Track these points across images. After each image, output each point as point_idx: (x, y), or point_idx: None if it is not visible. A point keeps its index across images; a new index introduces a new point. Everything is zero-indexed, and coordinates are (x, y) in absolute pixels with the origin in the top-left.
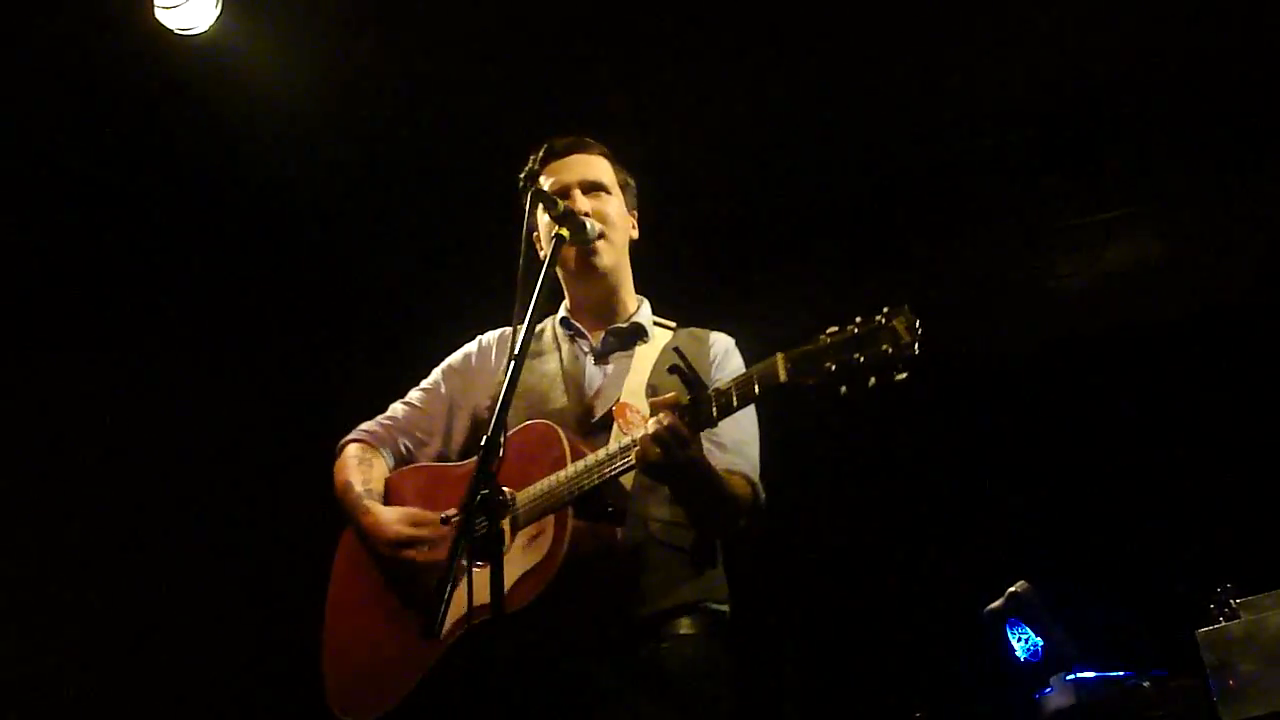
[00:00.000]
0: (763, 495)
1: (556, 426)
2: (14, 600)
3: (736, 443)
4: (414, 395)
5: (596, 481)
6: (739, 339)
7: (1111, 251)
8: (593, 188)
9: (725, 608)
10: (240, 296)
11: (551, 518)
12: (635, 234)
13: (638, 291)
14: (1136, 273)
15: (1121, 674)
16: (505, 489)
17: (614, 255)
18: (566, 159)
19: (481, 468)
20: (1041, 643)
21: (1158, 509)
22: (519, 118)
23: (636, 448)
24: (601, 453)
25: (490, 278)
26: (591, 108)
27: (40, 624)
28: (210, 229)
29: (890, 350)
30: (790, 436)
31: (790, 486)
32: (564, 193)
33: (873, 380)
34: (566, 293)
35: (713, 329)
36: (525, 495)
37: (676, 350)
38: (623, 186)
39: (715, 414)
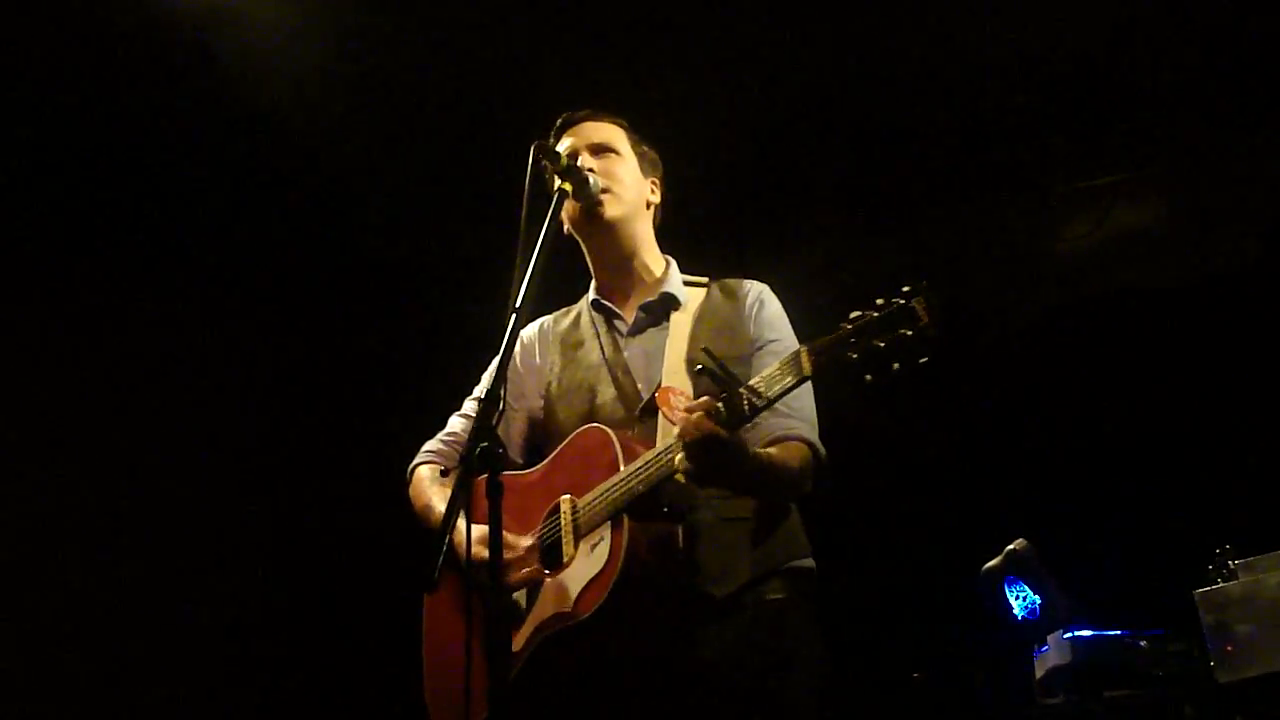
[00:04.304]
0: (823, 454)
1: (608, 429)
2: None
3: (790, 403)
4: (468, 406)
5: (646, 484)
6: None
7: (1117, 215)
8: (601, 149)
9: (808, 562)
10: (251, 257)
11: (609, 523)
12: (655, 199)
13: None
14: (1142, 236)
15: (1119, 633)
16: (566, 495)
17: (622, 209)
18: (580, 125)
19: (481, 421)
20: (1039, 601)
21: (1159, 471)
22: (540, 77)
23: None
24: (650, 453)
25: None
26: (605, 60)
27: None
28: (222, 191)
29: (910, 334)
30: None
31: None
32: (574, 155)
33: (896, 366)
34: (591, 267)
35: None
36: (584, 502)
37: (706, 351)
38: (639, 155)
39: (748, 411)
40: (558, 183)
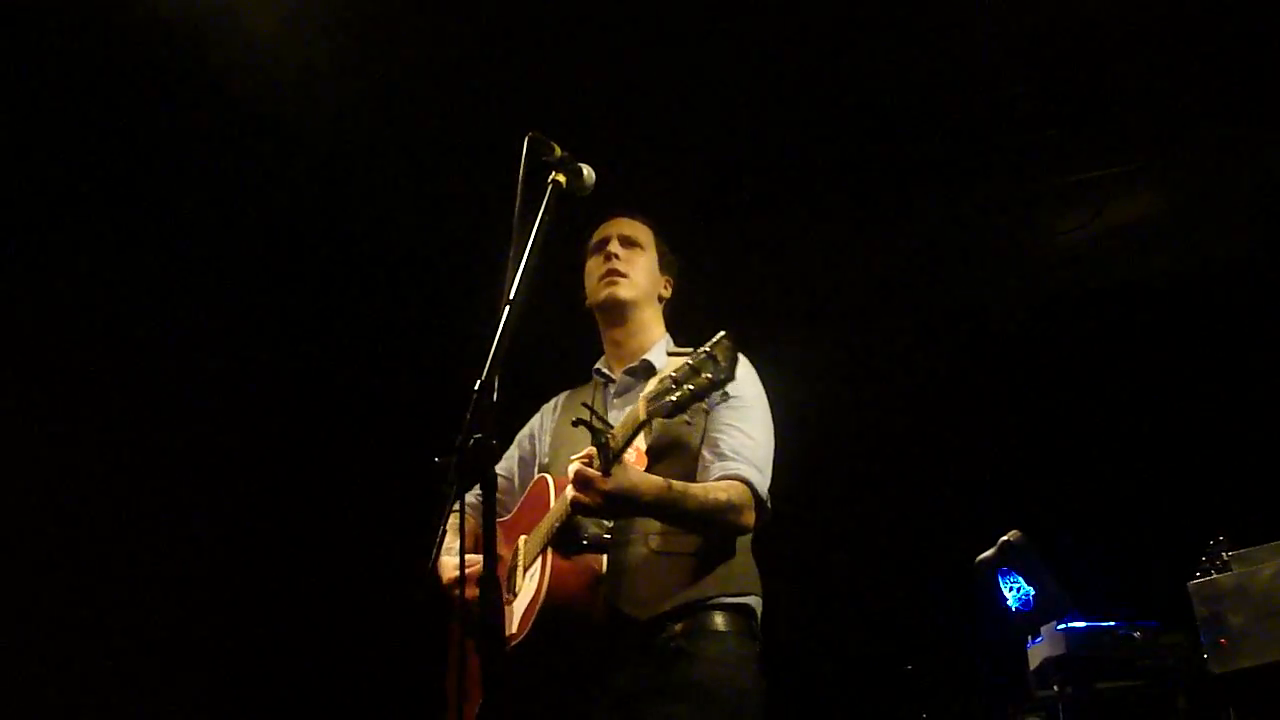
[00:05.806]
0: (764, 496)
1: (548, 476)
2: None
3: (736, 449)
4: (499, 466)
5: (558, 521)
6: (733, 301)
7: (1113, 208)
8: (629, 242)
9: (746, 600)
10: (249, 254)
11: (540, 555)
12: (666, 294)
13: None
14: (1138, 229)
15: (1112, 624)
16: (522, 535)
17: (632, 293)
18: (617, 220)
19: (475, 413)
20: (1033, 592)
21: (1153, 462)
22: (536, 74)
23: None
24: (564, 494)
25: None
26: (600, 53)
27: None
28: (218, 188)
29: (710, 378)
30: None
31: (783, 439)
32: (604, 242)
33: (704, 406)
34: (602, 341)
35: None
36: (530, 538)
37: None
38: (660, 254)
39: (612, 456)
40: (552, 174)
